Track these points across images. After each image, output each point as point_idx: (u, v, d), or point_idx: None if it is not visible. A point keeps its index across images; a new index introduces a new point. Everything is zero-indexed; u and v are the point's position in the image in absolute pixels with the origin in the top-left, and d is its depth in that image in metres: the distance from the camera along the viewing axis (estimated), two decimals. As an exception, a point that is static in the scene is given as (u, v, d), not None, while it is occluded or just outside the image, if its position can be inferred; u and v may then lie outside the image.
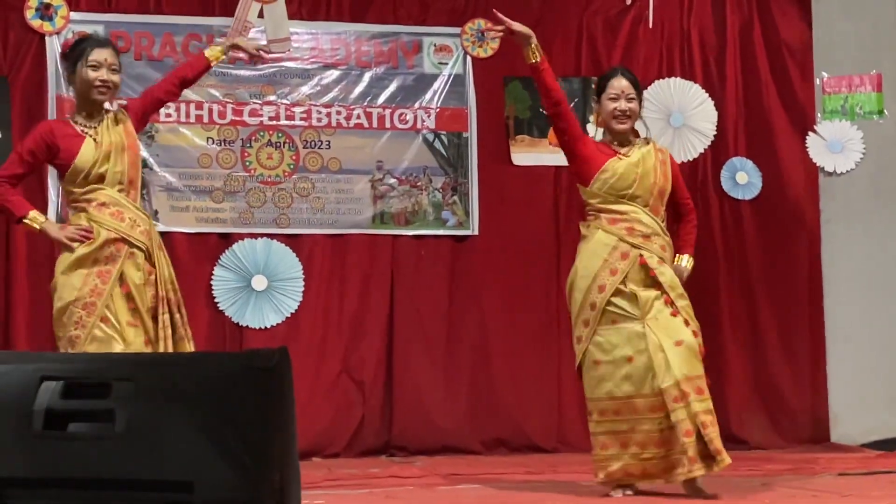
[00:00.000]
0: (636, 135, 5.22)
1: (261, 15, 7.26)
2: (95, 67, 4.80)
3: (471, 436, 7.35)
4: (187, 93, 7.11)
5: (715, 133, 7.75)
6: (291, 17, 7.31)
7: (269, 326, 7.22)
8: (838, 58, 7.56)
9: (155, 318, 4.82)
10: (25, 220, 4.81)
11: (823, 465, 6.30)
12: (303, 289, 7.28)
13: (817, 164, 7.58)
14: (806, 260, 7.69)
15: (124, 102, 5.36)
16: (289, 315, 7.25)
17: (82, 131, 4.83)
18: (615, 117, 5.10)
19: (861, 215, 7.47)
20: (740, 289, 7.70)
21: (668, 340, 4.83)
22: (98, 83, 4.82)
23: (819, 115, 7.58)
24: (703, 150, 7.74)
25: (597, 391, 4.96)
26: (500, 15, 5.11)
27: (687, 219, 5.32)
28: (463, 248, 7.51)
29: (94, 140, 4.81)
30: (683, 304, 4.96)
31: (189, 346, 4.85)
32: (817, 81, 7.59)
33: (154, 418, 2.63)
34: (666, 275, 4.97)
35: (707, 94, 7.77)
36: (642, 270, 4.96)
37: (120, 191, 4.83)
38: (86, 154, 4.76)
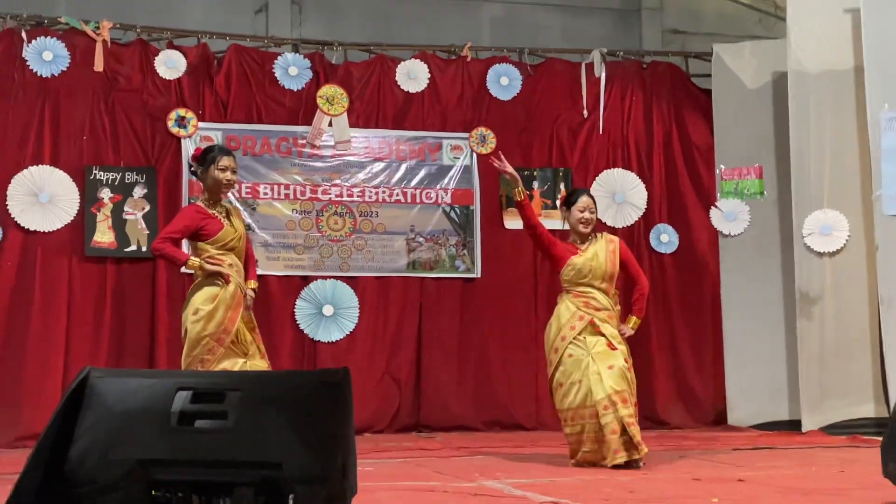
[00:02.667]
0: (595, 231, 5.23)
1: (330, 124, 7.35)
2: (223, 170, 4.76)
3: (475, 418, 7.29)
4: (278, 177, 7.21)
5: (646, 207, 7.71)
6: (351, 125, 7.41)
7: (334, 341, 7.16)
8: (732, 155, 7.56)
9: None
10: (189, 263, 4.72)
11: (722, 441, 6.25)
12: (358, 314, 7.22)
13: (718, 229, 7.57)
14: (709, 295, 7.64)
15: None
16: (348, 333, 7.19)
17: (215, 215, 4.77)
18: (581, 223, 5.13)
19: (748, 265, 7.44)
20: (664, 317, 7.65)
21: (603, 365, 4.86)
22: (225, 182, 4.78)
23: (718, 194, 7.56)
24: (637, 219, 7.70)
25: (562, 404, 5.00)
26: (500, 156, 5.16)
27: (637, 287, 5.28)
28: (470, 286, 7.45)
29: (231, 225, 4.78)
30: (622, 348, 4.99)
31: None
32: (717, 171, 7.58)
33: (255, 417, 2.62)
34: (608, 329, 5.01)
35: (640, 180, 7.73)
36: (592, 327, 5.01)
37: (237, 257, 4.81)
38: (227, 233, 4.74)
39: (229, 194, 5.03)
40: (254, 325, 4.84)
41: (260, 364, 4.65)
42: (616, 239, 5.29)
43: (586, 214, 5.12)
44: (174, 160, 7.01)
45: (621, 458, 4.73)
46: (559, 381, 4.98)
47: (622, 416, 4.73)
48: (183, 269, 4.77)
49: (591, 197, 5.22)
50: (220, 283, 4.65)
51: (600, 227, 7.52)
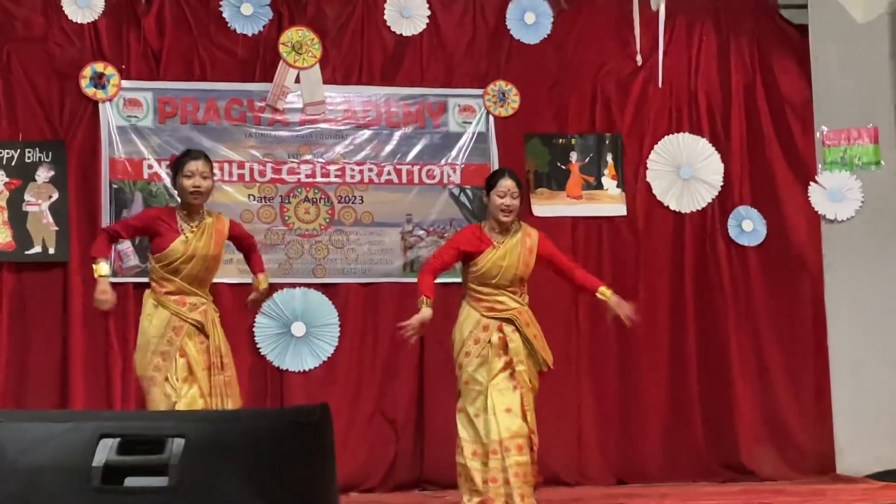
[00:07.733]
0: (517, 219, 5.70)
1: (297, 80, 7.35)
2: (189, 176, 5.27)
3: (497, 470, 7.28)
4: (229, 153, 7.21)
5: (722, 184, 7.74)
6: (326, 81, 7.39)
7: (307, 370, 7.19)
8: (837, 112, 7.54)
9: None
10: (95, 263, 5.29)
11: (831, 497, 6.25)
12: (338, 334, 7.24)
13: (819, 213, 7.55)
14: (809, 301, 7.65)
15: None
16: (325, 359, 7.22)
17: (180, 228, 5.29)
18: (501, 211, 5.57)
19: (862, 259, 7.42)
20: (748, 329, 7.65)
21: (501, 406, 5.46)
22: (191, 189, 5.28)
23: (820, 166, 7.55)
24: (710, 200, 7.73)
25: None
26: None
27: (573, 274, 5.83)
28: (487, 294, 7.45)
29: (186, 241, 5.27)
30: (521, 369, 5.53)
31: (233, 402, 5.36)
32: (817, 134, 7.57)
33: (205, 471, 2.61)
34: (515, 342, 5.55)
35: (714, 148, 7.77)
36: (498, 335, 5.54)
37: (189, 283, 5.31)
38: (175, 250, 5.27)
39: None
40: (221, 364, 5.34)
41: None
42: (535, 233, 5.71)
43: (507, 200, 5.54)
44: (90, 131, 7.02)
45: None
46: (460, 406, 5.58)
47: (508, 465, 5.38)
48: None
49: (515, 179, 5.63)
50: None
51: (664, 212, 7.59)
